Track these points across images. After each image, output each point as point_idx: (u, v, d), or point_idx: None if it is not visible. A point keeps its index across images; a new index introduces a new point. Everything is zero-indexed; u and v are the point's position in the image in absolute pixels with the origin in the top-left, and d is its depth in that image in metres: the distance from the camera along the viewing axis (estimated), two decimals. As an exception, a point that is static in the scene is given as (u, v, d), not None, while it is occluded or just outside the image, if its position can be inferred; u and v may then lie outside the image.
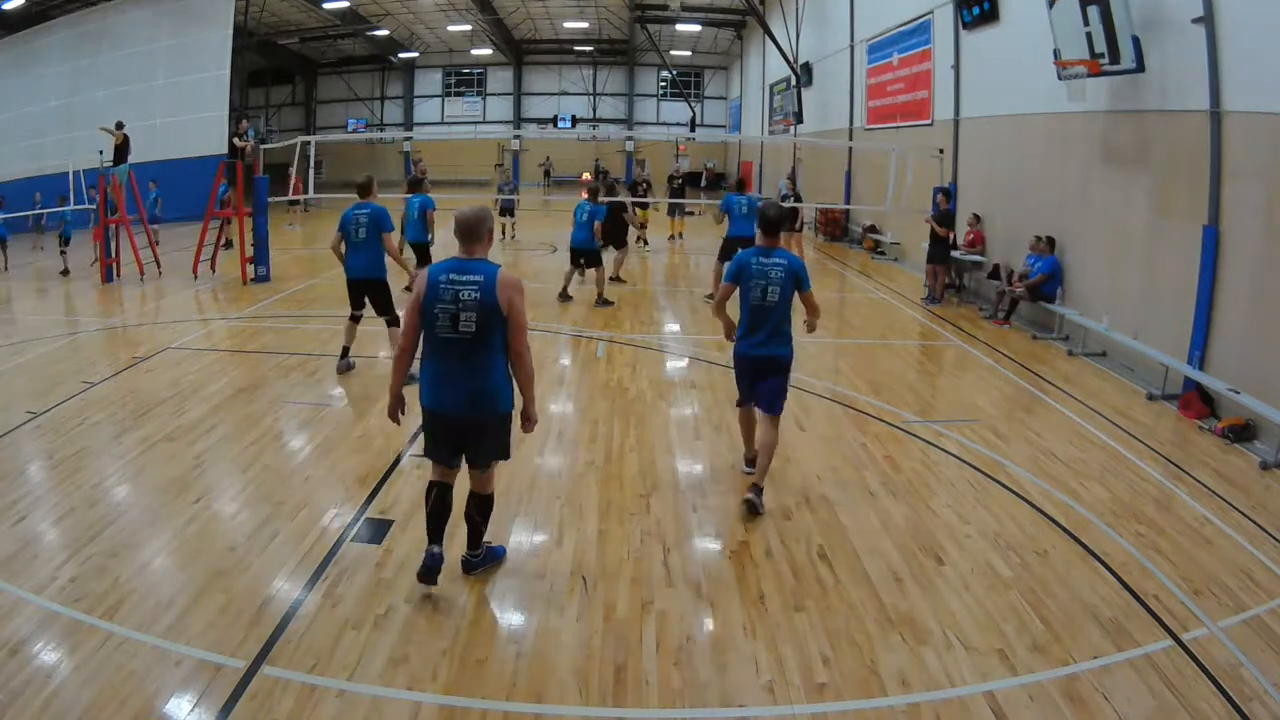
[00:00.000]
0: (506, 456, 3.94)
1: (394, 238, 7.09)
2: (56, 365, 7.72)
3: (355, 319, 7.40)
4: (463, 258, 3.68)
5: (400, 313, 6.18)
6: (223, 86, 21.67)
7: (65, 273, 12.95)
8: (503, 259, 15.14)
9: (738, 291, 4.88)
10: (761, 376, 4.92)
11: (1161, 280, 7.68)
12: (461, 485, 3.97)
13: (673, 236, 17.71)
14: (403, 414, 3.94)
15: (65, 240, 13.52)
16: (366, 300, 7.25)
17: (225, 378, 7.33)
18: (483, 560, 4.10)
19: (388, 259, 7.11)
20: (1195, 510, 5.03)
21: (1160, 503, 5.19)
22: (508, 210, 17.30)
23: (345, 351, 7.43)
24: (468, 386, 3.68)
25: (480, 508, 3.99)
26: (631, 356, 8.22)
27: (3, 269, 13.42)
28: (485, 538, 4.11)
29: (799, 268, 4.79)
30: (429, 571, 3.83)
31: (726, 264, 9.90)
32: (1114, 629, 3.70)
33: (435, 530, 3.90)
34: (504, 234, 17.40)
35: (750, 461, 5.30)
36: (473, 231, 3.69)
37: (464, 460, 3.90)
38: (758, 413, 5.05)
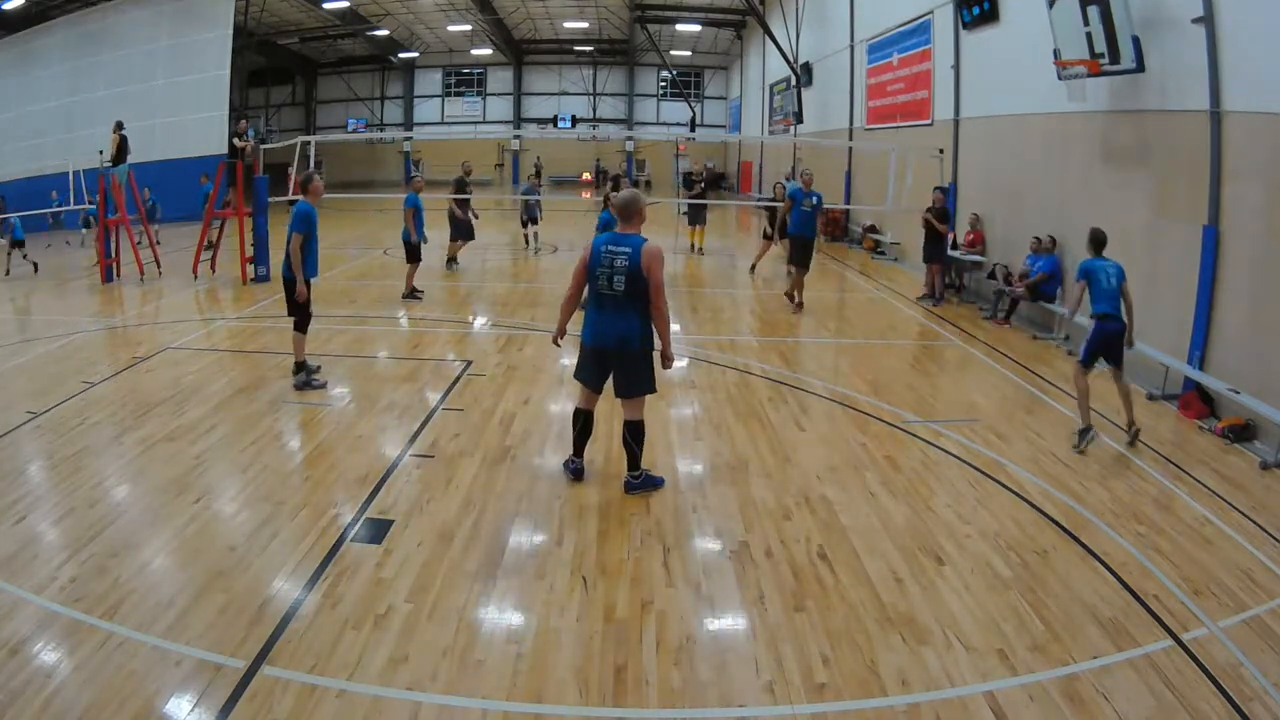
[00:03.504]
0: (653, 389, 4.88)
1: (295, 240, 6.76)
2: (56, 365, 7.72)
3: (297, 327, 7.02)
4: (619, 233, 4.76)
5: (308, 321, 7.04)
6: (222, 86, 21.67)
7: (34, 269, 13.03)
8: (522, 269, 15.07)
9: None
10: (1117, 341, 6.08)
11: (1161, 280, 7.68)
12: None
13: (693, 247, 15.77)
14: (559, 343, 5.10)
15: (19, 244, 13.25)
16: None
17: (225, 378, 7.33)
18: (642, 484, 4.98)
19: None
20: (1195, 510, 5.02)
21: (1160, 503, 5.18)
22: (530, 219, 15.48)
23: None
24: (617, 329, 4.71)
25: (633, 433, 4.92)
26: (631, 356, 8.20)
27: (4, 273, 13.21)
28: (643, 465, 5.01)
29: None
30: (577, 473, 5.13)
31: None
32: (1114, 629, 3.70)
33: (579, 447, 5.15)
34: (526, 244, 15.71)
35: (1087, 427, 5.99)
36: (625, 211, 4.78)
37: (612, 392, 4.91)
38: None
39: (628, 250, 4.64)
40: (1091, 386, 6.01)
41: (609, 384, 4.95)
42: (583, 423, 5.10)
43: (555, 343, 5.11)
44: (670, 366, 4.93)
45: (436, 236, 12.09)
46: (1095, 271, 6.03)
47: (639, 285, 4.63)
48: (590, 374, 4.94)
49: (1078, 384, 6.07)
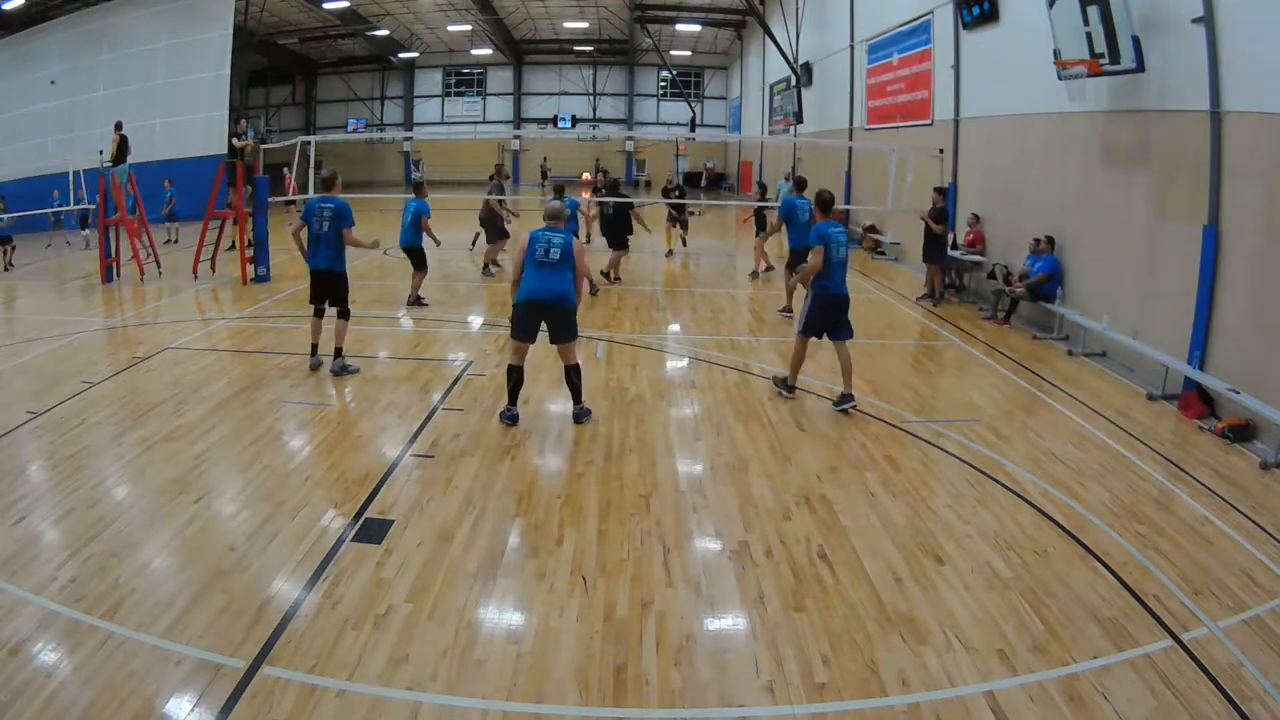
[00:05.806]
0: (576, 336, 6.15)
1: (354, 233, 7.34)
2: (56, 365, 7.72)
3: (319, 314, 7.54)
4: (550, 228, 6.06)
5: (352, 309, 7.72)
6: (223, 86, 21.66)
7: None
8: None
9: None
10: (841, 313, 6.66)
11: (1161, 280, 7.68)
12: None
13: (670, 252, 15.64)
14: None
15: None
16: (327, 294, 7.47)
17: (225, 378, 7.33)
18: (586, 413, 6.23)
19: (351, 250, 7.44)
20: (1195, 510, 5.02)
21: (1160, 503, 5.19)
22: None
23: (314, 349, 7.55)
24: (553, 289, 5.94)
25: (574, 373, 6.17)
26: (631, 357, 8.22)
27: (3, 269, 13.50)
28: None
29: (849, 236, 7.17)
30: (512, 419, 6.14)
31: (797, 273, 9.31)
32: (1114, 629, 3.70)
33: (513, 396, 6.17)
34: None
35: (791, 388, 6.95)
36: (556, 216, 6.13)
37: (549, 345, 6.19)
38: (835, 344, 6.72)
39: (562, 234, 6.03)
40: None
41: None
42: (516, 377, 6.12)
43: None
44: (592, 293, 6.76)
45: (455, 238, 11.93)
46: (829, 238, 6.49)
47: (569, 256, 5.96)
48: (527, 330, 6.04)
49: (800, 352, 6.77)
